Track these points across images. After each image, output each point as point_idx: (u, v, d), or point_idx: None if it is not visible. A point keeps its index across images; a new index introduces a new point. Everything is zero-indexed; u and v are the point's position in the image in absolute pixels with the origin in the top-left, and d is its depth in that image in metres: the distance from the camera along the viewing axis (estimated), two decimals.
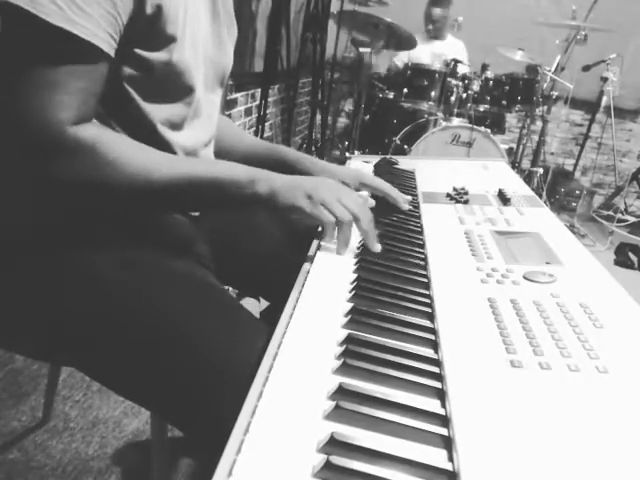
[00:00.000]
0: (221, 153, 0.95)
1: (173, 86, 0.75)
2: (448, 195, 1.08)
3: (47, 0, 0.58)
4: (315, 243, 0.81)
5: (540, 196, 3.29)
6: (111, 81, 0.67)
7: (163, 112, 0.75)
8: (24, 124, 0.61)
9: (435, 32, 3.56)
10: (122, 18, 0.64)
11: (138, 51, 0.68)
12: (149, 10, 0.66)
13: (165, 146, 0.76)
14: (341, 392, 0.49)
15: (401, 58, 3.61)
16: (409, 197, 1.01)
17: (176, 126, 0.79)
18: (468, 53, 3.61)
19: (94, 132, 0.66)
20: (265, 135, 3.12)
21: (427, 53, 3.55)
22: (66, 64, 0.61)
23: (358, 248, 0.81)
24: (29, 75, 0.60)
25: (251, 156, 1.02)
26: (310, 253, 0.78)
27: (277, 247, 0.99)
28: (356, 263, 0.76)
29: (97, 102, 0.67)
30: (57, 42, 0.60)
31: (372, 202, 0.98)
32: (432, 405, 0.49)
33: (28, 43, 0.60)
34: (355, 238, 0.84)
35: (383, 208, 0.96)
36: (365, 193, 1.03)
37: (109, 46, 0.64)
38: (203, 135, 0.86)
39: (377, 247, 0.79)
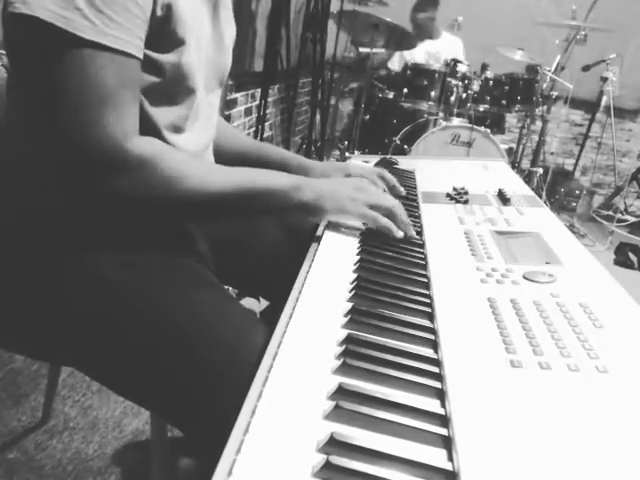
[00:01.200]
0: (214, 152, 0.95)
1: (178, 89, 0.75)
2: (448, 195, 1.08)
3: (78, 16, 0.58)
4: (315, 243, 0.81)
5: (540, 196, 3.28)
6: None
7: (167, 116, 0.75)
8: (82, 142, 0.62)
9: (422, 35, 3.55)
10: (147, 20, 0.64)
11: (149, 52, 0.68)
12: (159, 11, 0.66)
13: None
14: (341, 392, 0.49)
15: (395, 61, 3.62)
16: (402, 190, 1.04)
17: (178, 129, 0.78)
18: (468, 53, 3.61)
19: (153, 147, 0.68)
20: (265, 135, 3.12)
21: (421, 52, 3.55)
22: (112, 78, 0.62)
23: (358, 248, 0.81)
24: (78, 94, 0.60)
25: (243, 157, 1.02)
26: (310, 253, 0.78)
27: (277, 247, 0.99)
28: (356, 263, 0.76)
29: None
30: (97, 57, 0.60)
31: None
32: (432, 405, 0.49)
33: (67, 61, 0.59)
34: (355, 238, 0.84)
35: None
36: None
37: (140, 50, 0.65)
38: (204, 137, 0.86)
39: (413, 233, 0.86)
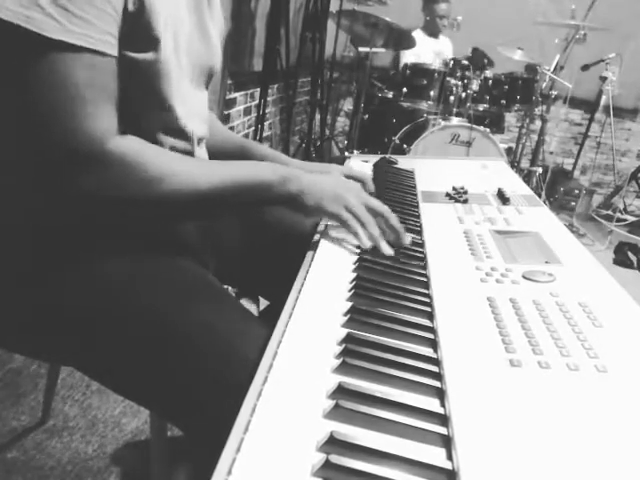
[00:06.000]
0: None
1: (159, 88, 0.73)
2: (447, 194, 1.08)
3: (43, 15, 0.56)
4: (315, 243, 0.81)
5: (539, 195, 3.29)
6: None
7: (154, 116, 0.74)
8: (57, 143, 0.61)
9: (437, 29, 3.56)
10: (118, 15, 0.63)
11: (126, 53, 0.67)
12: (131, 6, 0.64)
13: None
14: (340, 391, 0.49)
15: (403, 61, 3.62)
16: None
17: (168, 129, 0.77)
18: (467, 52, 3.61)
19: (135, 146, 0.67)
20: (264, 135, 3.12)
21: (429, 52, 3.55)
22: (82, 77, 0.60)
23: (358, 247, 0.81)
24: (53, 96, 0.59)
25: (221, 151, 1.00)
26: (310, 252, 0.78)
27: (277, 246, 0.99)
28: (355, 262, 0.76)
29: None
30: (65, 56, 0.59)
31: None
32: (431, 404, 0.49)
33: (34, 61, 0.58)
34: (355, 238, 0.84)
35: None
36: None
37: (112, 47, 0.63)
38: (195, 134, 0.85)
39: (387, 249, 0.78)
